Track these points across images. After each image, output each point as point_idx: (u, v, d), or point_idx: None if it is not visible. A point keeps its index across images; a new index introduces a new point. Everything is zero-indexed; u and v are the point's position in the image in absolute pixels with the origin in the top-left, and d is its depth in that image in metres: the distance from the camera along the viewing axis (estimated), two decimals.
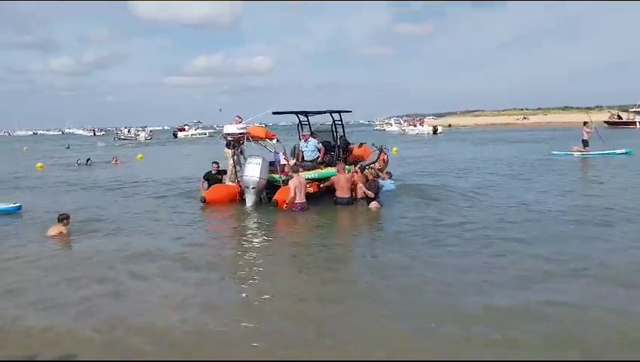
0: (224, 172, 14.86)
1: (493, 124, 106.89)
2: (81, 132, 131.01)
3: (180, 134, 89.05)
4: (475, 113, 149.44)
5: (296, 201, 12.45)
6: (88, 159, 31.02)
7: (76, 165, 29.69)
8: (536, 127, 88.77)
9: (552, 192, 14.51)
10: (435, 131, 68.25)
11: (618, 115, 76.67)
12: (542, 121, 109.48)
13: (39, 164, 29.95)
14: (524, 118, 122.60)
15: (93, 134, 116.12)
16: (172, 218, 12.30)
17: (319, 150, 14.82)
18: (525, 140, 45.11)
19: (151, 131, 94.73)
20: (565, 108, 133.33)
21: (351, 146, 15.84)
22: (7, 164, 34.50)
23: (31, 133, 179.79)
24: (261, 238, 10.51)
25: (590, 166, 21.69)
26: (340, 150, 15.25)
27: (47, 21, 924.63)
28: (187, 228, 11.09)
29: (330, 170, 13.95)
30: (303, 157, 14.84)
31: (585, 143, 25.37)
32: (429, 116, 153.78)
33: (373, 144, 16.54)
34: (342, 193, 13.02)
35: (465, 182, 17.18)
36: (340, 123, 15.62)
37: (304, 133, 15.35)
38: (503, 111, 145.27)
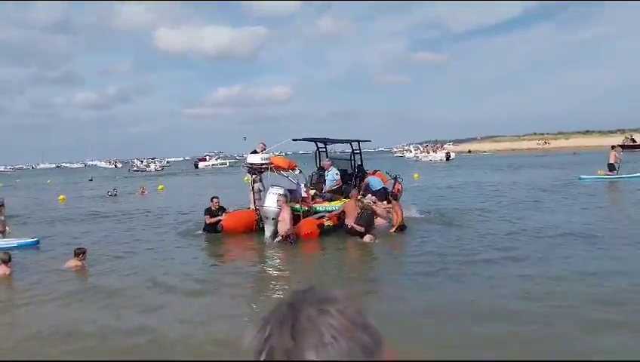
0: (224, 209, 14.32)
1: (514, 150, 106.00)
2: (103, 164, 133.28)
3: (201, 164, 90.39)
4: (496, 139, 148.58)
5: (287, 233, 12.01)
6: (115, 189, 32.21)
7: (107, 196, 30.51)
8: (557, 151, 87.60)
9: (578, 221, 13.96)
10: (447, 158, 69.42)
11: (632, 138, 75.82)
12: (564, 146, 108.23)
13: (61, 197, 30.20)
14: (545, 142, 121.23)
15: (114, 166, 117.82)
16: (191, 254, 12.00)
17: (336, 180, 14.64)
18: (542, 165, 43.71)
19: (168, 162, 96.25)
20: (587, 132, 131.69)
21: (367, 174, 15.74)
22: (31, 196, 34.88)
23: (54, 165, 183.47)
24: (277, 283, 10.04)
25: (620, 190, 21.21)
26: (358, 179, 15.07)
27: (72, 56, 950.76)
28: (202, 271, 10.31)
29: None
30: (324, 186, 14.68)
31: (611, 167, 24.79)
32: (449, 143, 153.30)
33: (387, 172, 16.29)
34: (350, 220, 12.55)
35: (475, 211, 16.51)
36: (358, 152, 15.44)
37: (325, 162, 15.17)
38: (524, 136, 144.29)
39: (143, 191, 31.57)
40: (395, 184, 15.51)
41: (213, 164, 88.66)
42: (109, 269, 10.35)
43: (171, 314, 7.47)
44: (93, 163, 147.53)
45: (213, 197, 14.45)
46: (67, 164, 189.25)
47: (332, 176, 14.61)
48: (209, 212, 14.10)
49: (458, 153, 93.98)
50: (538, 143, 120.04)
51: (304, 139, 15.63)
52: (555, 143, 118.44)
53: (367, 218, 12.34)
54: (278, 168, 13.91)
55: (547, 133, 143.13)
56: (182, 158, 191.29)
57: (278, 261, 11.22)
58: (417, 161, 71.99)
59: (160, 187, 36.83)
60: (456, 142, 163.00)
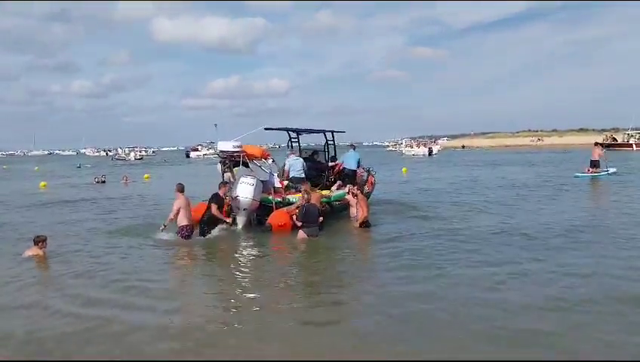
0: None
1: (507, 146, 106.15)
2: (89, 152, 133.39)
3: (193, 154, 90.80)
4: (489, 135, 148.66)
5: (183, 224, 11.05)
6: (104, 175, 32.53)
7: (94, 182, 30.49)
8: (550, 148, 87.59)
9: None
10: (430, 153, 72.75)
11: (613, 137, 77.92)
12: (557, 143, 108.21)
13: (42, 183, 29.81)
14: (539, 139, 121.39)
15: (106, 154, 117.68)
16: (151, 247, 11.44)
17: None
18: (530, 163, 42.95)
19: (153, 151, 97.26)
20: (581, 130, 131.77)
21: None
22: (14, 183, 34.46)
23: (46, 152, 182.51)
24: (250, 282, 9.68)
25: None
26: (331, 171, 14.79)
27: (69, 45, 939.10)
28: (159, 264, 9.67)
29: (325, 191, 13.38)
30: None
31: (594, 164, 24.63)
32: (443, 138, 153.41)
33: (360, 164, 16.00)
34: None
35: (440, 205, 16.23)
36: (332, 143, 15.13)
37: (290, 151, 14.87)
38: (518, 133, 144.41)
39: (126, 181, 31.28)
40: (368, 177, 15.18)
41: (205, 154, 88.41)
42: (70, 259, 9.93)
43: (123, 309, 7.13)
44: (84, 150, 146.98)
45: (223, 183, 11.95)
46: (59, 151, 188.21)
47: (297, 164, 14.29)
48: (216, 200, 11.72)
49: (452, 148, 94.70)
50: (532, 140, 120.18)
51: (277, 129, 15.14)
52: (548, 140, 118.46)
53: (308, 212, 11.30)
54: (250, 157, 13.41)
55: (541, 131, 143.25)
56: (175, 148, 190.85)
57: (236, 256, 10.73)
58: (402, 155, 75.13)
59: (145, 176, 36.49)
60: (451, 137, 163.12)
